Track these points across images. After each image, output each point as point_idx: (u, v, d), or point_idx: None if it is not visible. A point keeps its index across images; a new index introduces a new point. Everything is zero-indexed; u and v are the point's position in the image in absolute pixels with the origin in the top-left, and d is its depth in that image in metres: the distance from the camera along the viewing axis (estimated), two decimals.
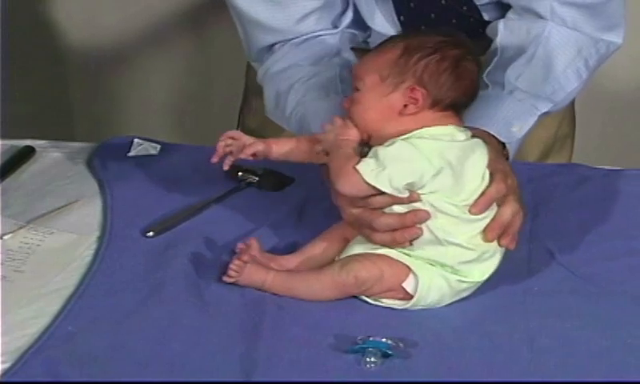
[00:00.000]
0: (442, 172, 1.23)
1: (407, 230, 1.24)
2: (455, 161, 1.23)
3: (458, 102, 1.28)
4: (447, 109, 1.26)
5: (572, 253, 1.37)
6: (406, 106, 1.26)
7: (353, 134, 1.27)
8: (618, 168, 1.59)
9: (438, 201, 1.23)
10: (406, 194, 1.23)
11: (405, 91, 1.26)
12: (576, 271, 1.33)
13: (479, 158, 1.26)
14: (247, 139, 1.34)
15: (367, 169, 1.23)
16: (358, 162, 1.24)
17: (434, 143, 1.24)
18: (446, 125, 1.26)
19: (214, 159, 1.34)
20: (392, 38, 1.31)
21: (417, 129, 1.25)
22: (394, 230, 1.24)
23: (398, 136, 1.24)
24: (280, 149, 1.35)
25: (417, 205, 1.24)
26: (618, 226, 1.43)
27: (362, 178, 1.23)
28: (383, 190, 1.23)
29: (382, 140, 1.25)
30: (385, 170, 1.22)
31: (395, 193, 1.23)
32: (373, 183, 1.23)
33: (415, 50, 1.26)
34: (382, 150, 1.24)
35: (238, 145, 1.33)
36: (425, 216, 1.23)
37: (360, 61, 1.31)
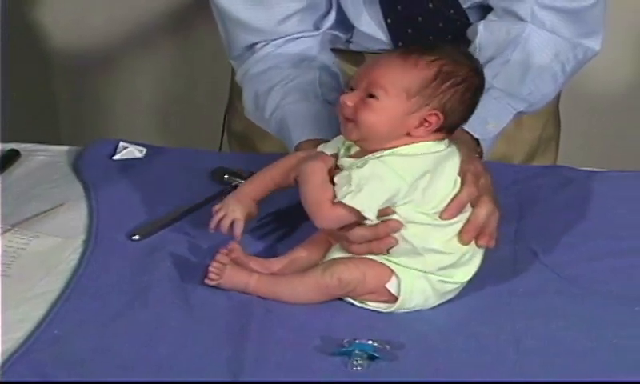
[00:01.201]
0: (415, 186, 1.23)
1: (382, 240, 1.24)
2: (428, 173, 1.24)
3: (457, 126, 1.29)
4: (446, 132, 1.27)
5: (557, 254, 1.37)
6: (419, 125, 1.25)
7: (323, 167, 1.26)
8: (603, 170, 1.60)
9: (407, 212, 1.24)
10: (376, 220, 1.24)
11: (424, 113, 1.25)
12: (561, 272, 1.34)
13: (451, 166, 1.26)
14: (234, 216, 1.32)
15: (343, 193, 1.23)
16: (333, 195, 1.24)
17: (406, 160, 1.24)
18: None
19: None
20: (425, 50, 1.27)
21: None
22: (370, 241, 1.25)
23: (389, 149, 1.25)
24: (260, 194, 1.34)
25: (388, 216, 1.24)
26: (603, 227, 1.44)
27: (340, 211, 1.23)
28: (361, 211, 1.23)
29: (371, 148, 1.26)
30: (361, 191, 1.23)
31: (370, 215, 1.23)
32: (351, 205, 1.23)
33: (449, 75, 1.25)
34: (354, 173, 1.23)
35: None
36: (397, 225, 1.24)
37: (379, 65, 1.27)
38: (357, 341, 1.19)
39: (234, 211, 1.32)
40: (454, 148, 1.28)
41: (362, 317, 1.26)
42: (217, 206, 1.33)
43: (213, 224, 1.32)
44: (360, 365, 1.17)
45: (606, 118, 2.62)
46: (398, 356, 1.19)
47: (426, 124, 1.25)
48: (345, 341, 1.19)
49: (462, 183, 1.26)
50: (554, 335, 1.22)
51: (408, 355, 1.19)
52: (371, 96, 1.25)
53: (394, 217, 1.24)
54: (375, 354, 1.17)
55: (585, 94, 2.47)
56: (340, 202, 1.23)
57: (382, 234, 1.24)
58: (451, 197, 1.25)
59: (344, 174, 1.25)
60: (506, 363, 1.18)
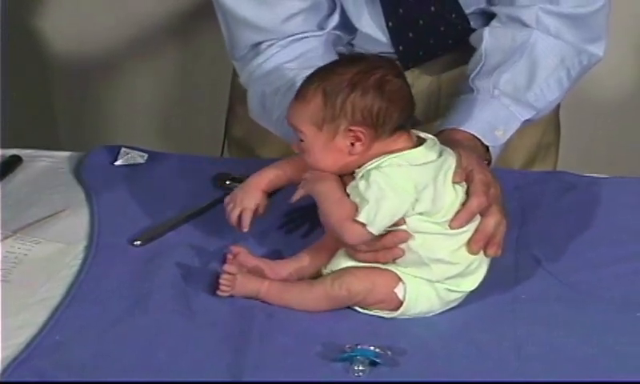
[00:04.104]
0: (421, 198, 1.23)
1: (388, 250, 1.25)
2: (431, 184, 1.23)
3: (402, 122, 1.26)
4: (394, 132, 1.25)
5: (559, 260, 1.37)
6: (352, 144, 1.25)
7: (338, 183, 1.26)
8: (605, 175, 1.60)
9: (416, 222, 1.24)
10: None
11: (345, 133, 1.24)
12: (563, 279, 1.34)
13: (450, 171, 1.26)
14: (243, 206, 1.32)
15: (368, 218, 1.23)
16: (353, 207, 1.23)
17: (407, 171, 1.23)
18: (414, 147, 1.25)
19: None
20: (308, 81, 1.28)
21: (378, 156, 1.24)
22: (376, 250, 1.25)
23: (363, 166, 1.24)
24: (270, 185, 1.34)
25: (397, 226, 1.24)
26: (604, 234, 1.44)
27: (366, 230, 1.23)
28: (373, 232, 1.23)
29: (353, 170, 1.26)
30: (376, 218, 1.22)
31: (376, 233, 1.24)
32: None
33: (334, 92, 1.24)
34: (366, 192, 1.23)
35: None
36: (405, 236, 1.24)
37: (289, 111, 1.29)
38: (359, 346, 1.19)
39: (241, 202, 1.32)
40: (447, 155, 1.27)
41: (364, 323, 1.25)
42: (226, 199, 1.33)
43: (227, 216, 1.32)
44: (362, 371, 1.17)
45: (607, 122, 2.62)
46: (400, 362, 1.19)
47: (356, 139, 1.24)
48: (347, 346, 1.19)
49: (472, 192, 1.26)
50: (556, 342, 1.22)
51: (409, 361, 1.19)
52: (301, 140, 1.27)
53: (403, 227, 1.24)
54: (377, 360, 1.17)
55: (586, 98, 2.47)
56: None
57: (389, 244, 1.24)
58: (458, 204, 1.25)
59: (353, 185, 1.24)
60: (507, 369, 1.18)
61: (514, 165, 1.68)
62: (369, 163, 1.24)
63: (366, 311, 1.27)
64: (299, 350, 1.20)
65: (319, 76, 1.27)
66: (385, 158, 1.24)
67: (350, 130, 1.24)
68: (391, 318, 1.26)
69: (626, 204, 1.51)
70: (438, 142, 1.28)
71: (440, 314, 1.27)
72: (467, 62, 1.58)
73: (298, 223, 1.44)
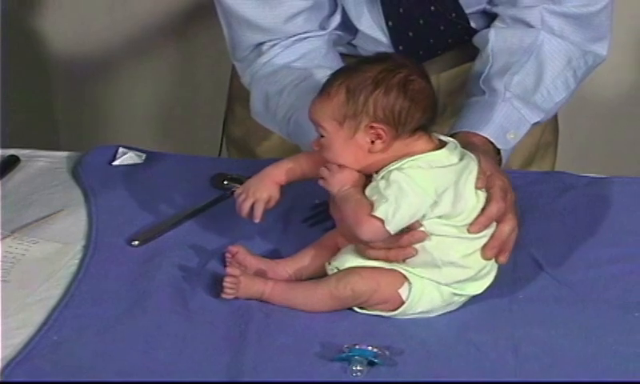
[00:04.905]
0: (440, 201, 1.23)
1: (401, 249, 1.24)
2: (451, 187, 1.23)
3: (423, 122, 1.26)
4: (414, 132, 1.25)
5: (557, 261, 1.37)
6: (373, 142, 1.25)
7: (353, 180, 1.26)
8: (603, 175, 1.60)
9: (435, 224, 1.24)
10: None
11: (366, 130, 1.24)
12: (561, 279, 1.34)
13: (472, 175, 1.25)
14: (259, 196, 1.31)
15: (383, 210, 1.22)
16: (372, 206, 1.23)
17: (429, 173, 1.23)
18: (435, 150, 1.25)
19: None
20: (333, 77, 1.28)
21: (398, 157, 1.24)
22: (389, 248, 1.25)
23: (383, 166, 1.24)
24: (285, 178, 1.33)
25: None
26: (602, 234, 1.44)
27: (383, 227, 1.22)
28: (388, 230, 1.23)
29: (373, 170, 1.25)
30: (395, 216, 1.22)
31: (392, 232, 1.23)
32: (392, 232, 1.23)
33: (358, 89, 1.24)
34: (386, 190, 1.22)
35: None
36: (422, 236, 1.24)
37: (311, 106, 1.29)
38: (357, 346, 1.19)
39: (254, 194, 1.31)
40: (470, 159, 1.27)
41: (362, 322, 1.25)
42: (238, 189, 1.33)
43: (237, 208, 1.31)
44: (360, 371, 1.17)
45: (605, 122, 2.62)
46: (398, 362, 1.19)
47: (377, 137, 1.24)
48: (345, 346, 1.19)
49: (492, 198, 1.26)
50: (554, 342, 1.23)
51: (407, 361, 1.19)
52: (322, 136, 1.27)
53: (420, 229, 1.24)
54: (375, 360, 1.18)
55: (584, 98, 2.46)
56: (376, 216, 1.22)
57: (404, 243, 1.24)
58: (478, 209, 1.25)
59: (373, 185, 1.24)
60: (505, 369, 1.18)
61: (513, 164, 1.68)
62: (389, 165, 1.24)
63: (364, 311, 1.27)
64: (297, 350, 1.20)
65: (344, 73, 1.28)
66: (406, 160, 1.24)
67: (372, 127, 1.24)
68: (389, 318, 1.26)
69: (624, 204, 1.51)
70: (459, 146, 1.28)
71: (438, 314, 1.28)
72: (466, 61, 1.58)
73: (317, 219, 1.44)
